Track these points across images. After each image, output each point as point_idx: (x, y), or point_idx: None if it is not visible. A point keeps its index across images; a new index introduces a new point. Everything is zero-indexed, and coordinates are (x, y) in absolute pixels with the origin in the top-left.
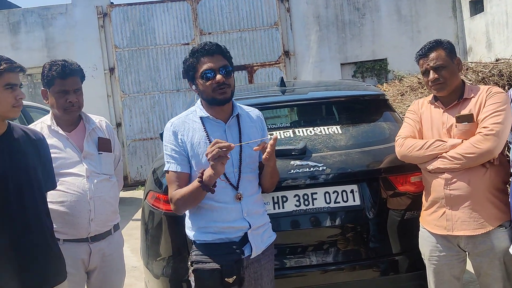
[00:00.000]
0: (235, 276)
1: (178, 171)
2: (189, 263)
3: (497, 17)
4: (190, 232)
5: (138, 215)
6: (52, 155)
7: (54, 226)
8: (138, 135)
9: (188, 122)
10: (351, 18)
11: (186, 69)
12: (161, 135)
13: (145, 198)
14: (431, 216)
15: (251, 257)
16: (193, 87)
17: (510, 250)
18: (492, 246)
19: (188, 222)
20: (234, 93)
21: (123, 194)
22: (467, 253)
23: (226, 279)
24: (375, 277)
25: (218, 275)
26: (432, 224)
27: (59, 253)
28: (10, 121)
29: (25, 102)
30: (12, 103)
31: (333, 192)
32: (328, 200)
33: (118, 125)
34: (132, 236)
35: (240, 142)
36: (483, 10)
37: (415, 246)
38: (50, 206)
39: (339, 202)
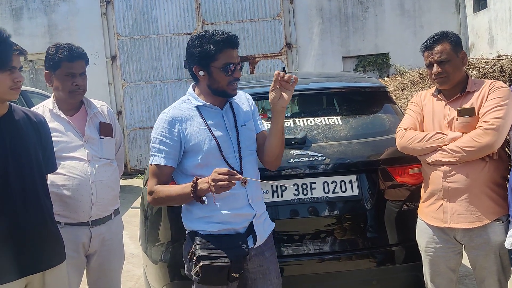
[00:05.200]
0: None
1: (162, 164)
2: (194, 258)
3: (500, 14)
4: (189, 223)
5: (137, 203)
6: (53, 138)
7: (55, 210)
8: (139, 123)
9: (184, 111)
10: (354, 12)
11: (201, 55)
12: None
13: (145, 185)
14: (429, 208)
15: (254, 247)
16: (201, 73)
17: (505, 244)
18: (488, 240)
19: (185, 212)
20: None
21: (123, 182)
22: (463, 246)
23: (233, 274)
24: (371, 267)
25: (226, 271)
26: (430, 216)
27: (58, 235)
28: (11, 103)
29: (26, 88)
30: (9, 85)
31: (332, 182)
32: (326, 190)
33: (119, 113)
34: (130, 224)
35: (236, 125)
36: (486, 6)
37: (412, 238)
38: (52, 189)
39: (337, 192)
